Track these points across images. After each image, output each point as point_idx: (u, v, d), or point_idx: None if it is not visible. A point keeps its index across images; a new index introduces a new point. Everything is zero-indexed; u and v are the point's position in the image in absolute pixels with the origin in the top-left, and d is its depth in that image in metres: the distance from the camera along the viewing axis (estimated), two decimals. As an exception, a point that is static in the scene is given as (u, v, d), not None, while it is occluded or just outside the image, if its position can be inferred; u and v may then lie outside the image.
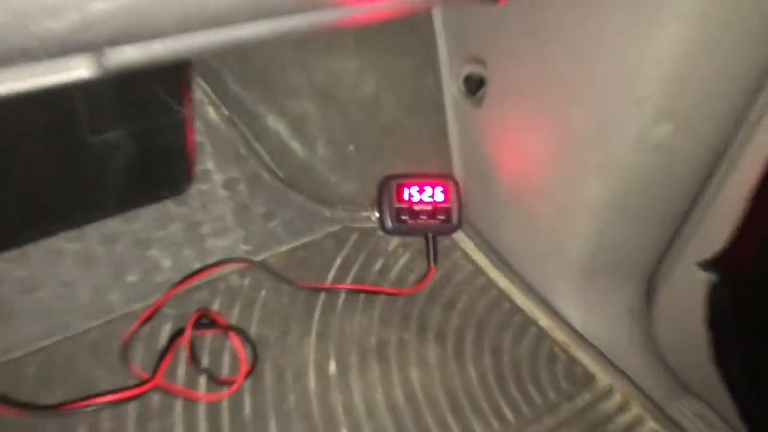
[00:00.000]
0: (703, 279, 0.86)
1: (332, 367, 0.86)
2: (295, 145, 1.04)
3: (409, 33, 0.99)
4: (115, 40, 0.40)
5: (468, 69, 0.95)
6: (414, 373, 0.86)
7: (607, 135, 0.80)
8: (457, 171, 1.06)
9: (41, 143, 0.83)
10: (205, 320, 0.88)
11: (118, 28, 0.39)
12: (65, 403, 0.77)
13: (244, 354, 0.85)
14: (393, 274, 0.99)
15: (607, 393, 0.88)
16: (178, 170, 0.97)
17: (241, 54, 0.97)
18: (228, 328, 0.87)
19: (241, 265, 0.96)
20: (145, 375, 0.81)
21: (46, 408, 0.77)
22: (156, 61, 0.44)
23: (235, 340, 0.86)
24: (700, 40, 0.69)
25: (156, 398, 0.80)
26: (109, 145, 0.87)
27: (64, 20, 0.36)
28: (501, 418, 0.83)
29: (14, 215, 0.86)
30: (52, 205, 0.89)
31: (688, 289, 0.89)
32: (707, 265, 0.84)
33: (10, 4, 0.34)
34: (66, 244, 0.90)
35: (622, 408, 0.86)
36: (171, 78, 0.87)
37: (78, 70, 0.40)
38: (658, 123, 0.76)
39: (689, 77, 0.72)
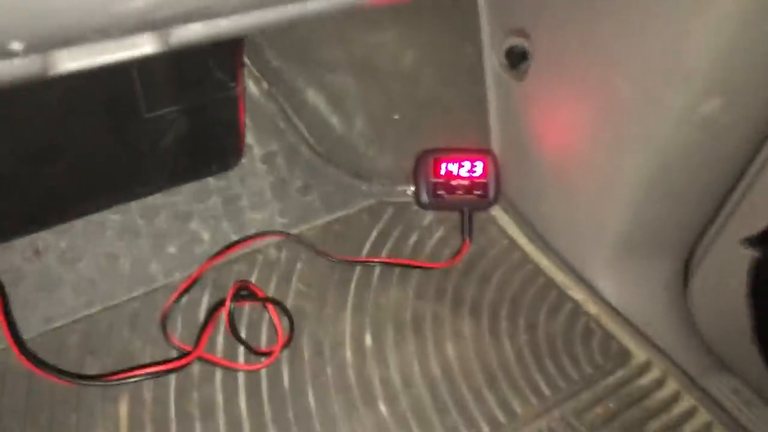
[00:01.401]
0: (744, 256, 0.85)
1: (368, 340, 0.87)
2: (333, 119, 1.04)
3: (449, 4, 0.98)
4: (187, 18, 0.41)
5: (510, 41, 0.94)
6: (449, 347, 0.87)
7: (653, 109, 0.79)
8: (496, 145, 1.06)
9: (96, 119, 0.84)
10: (244, 292, 0.89)
11: (192, 6, 0.39)
12: (109, 374, 0.79)
13: (280, 325, 0.86)
14: (428, 248, 0.99)
15: (644, 368, 0.87)
16: (229, 146, 0.98)
17: (280, 29, 0.97)
18: (266, 300, 0.88)
19: (278, 238, 0.97)
20: (185, 346, 0.83)
21: (89, 377, 0.79)
22: (218, 38, 0.44)
23: (272, 312, 0.87)
24: (755, 11, 0.67)
25: (196, 369, 0.81)
26: (163, 121, 0.88)
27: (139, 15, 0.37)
28: (537, 392, 0.83)
29: (64, 190, 0.88)
30: (103, 181, 0.91)
31: (729, 265, 0.89)
32: (752, 242, 0.83)
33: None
34: (108, 216, 0.92)
35: (660, 384, 0.86)
36: (225, 54, 0.88)
37: (143, 47, 0.41)
38: (706, 98, 0.75)
39: (741, 50, 0.70)
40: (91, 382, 0.78)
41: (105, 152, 0.87)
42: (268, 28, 0.46)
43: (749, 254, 0.84)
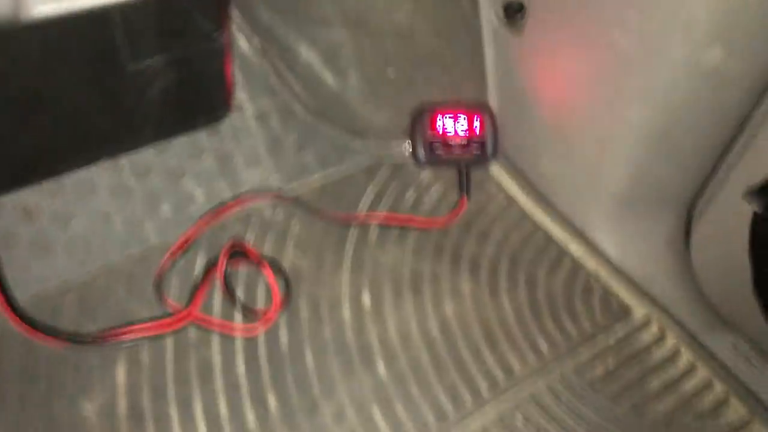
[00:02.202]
0: (745, 209, 0.84)
1: (366, 299, 0.86)
2: (327, 76, 1.01)
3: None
4: None
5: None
6: (448, 305, 0.86)
7: (653, 60, 0.77)
8: (493, 100, 1.04)
9: (79, 71, 0.82)
10: (238, 252, 0.88)
11: None
12: (105, 334, 0.78)
13: (277, 286, 0.85)
14: (425, 206, 0.98)
15: (644, 324, 0.87)
16: (216, 99, 0.96)
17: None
18: (261, 260, 0.87)
19: (273, 197, 0.96)
20: (180, 307, 0.82)
21: (86, 339, 0.78)
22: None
23: (267, 273, 0.86)
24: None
25: (193, 330, 0.81)
26: (148, 72, 0.85)
27: None
28: (536, 350, 0.83)
29: (51, 144, 0.86)
30: (90, 134, 0.88)
31: (730, 219, 0.87)
32: (753, 194, 0.82)
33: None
34: (100, 174, 0.90)
35: (659, 340, 0.86)
36: (209, 4, 0.85)
37: None
38: (707, 48, 0.73)
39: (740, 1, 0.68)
40: (87, 343, 0.78)
41: (89, 105, 0.85)
42: None
43: (750, 207, 0.82)
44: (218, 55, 0.90)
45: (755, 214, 0.82)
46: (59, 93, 0.81)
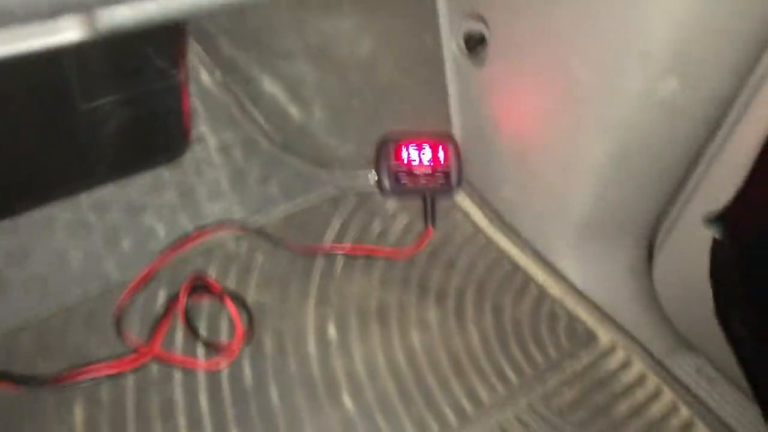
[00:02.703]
0: (705, 235, 0.85)
1: (332, 331, 0.85)
2: (291, 108, 1.01)
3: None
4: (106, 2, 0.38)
5: (468, 26, 0.93)
6: (415, 336, 0.86)
7: (611, 91, 0.79)
8: (457, 131, 1.05)
9: (31, 110, 0.81)
10: (199, 286, 0.86)
11: None
12: (62, 375, 0.76)
13: (239, 319, 0.84)
14: (392, 236, 0.98)
15: (609, 351, 0.87)
16: (174, 136, 0.95)
17: (234, 15, 0.94)
18: (223, 294, 0.86)
19: (236, 230, 0.95)
20: (141, 344, 0.80)
21: (42, 381, 0.76)
22: (150, 23, 0.42)
23: (230, 306, 0.85)
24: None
25: (154, 368, 0.79)
26: (102, 111, 0.84)
27: None
28: (504, 378, 0.82)
29: (4, 184, 0.84)
30: (44, 174, 0.87)
31: (690, 244, 0.89)
32: (712, 220, 0.83)
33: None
34: (57, 212, 0.89)
35: (625, 365, 0.86)
36: (165, 41, 0.85)
37: (68, 32, 0.38)
38: (663, 79, 0.75)
39: (696, 31, 0.70)
40: (44, 386, 0.75)
41: (42, 145, 0.84)
42: (200, 14, 0.44)
43: (709, 233, 0.84)
44: (175, 93, 0.90)
45: (715, 240, 0.84)
46: (11, 133, 0.80)
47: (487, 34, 0.91)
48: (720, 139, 0.82)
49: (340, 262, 0.94)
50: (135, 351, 0.79)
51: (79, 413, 0.74)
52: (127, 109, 0.86)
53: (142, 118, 0.89)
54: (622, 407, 0.81)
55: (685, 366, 0.89)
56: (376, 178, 1.02)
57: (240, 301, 0.86)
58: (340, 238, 0.97)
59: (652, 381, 0.85)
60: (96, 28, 0.39)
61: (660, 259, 0.95)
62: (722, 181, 0.83)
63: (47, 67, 0.77)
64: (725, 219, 0.82)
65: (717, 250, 0.84)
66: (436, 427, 0.77)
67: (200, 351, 0.81)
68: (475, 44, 0.93)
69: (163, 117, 0.92)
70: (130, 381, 0.77)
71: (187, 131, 0.95)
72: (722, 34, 0.72)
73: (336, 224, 0.98)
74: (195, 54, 0.97)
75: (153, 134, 0.93)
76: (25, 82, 0.77)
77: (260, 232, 0.95)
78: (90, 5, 0.38)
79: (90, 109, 0.83)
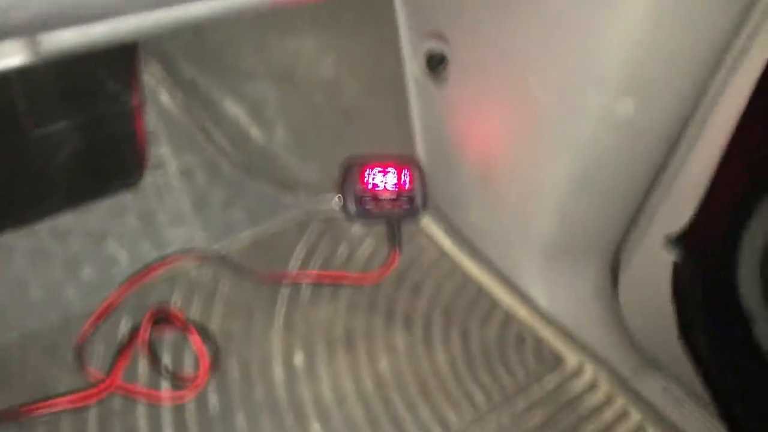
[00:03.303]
0: (667, 257, 0.87)
1: (299, 358, 0.84)
2: (254, 130, 1.01)
3: (368, 10, 0.96)
4: (47, 23, 0.37)
5: (429, 45, 0.93)
6: (383, 361, 0.85)
7: (570, 113, 0.80)
8: (421, 153, 1.05)
9: None
10: (162, 317, 0.85)
11: (47, 9, 0.36)
12: (22, 409, 0.74)
13: (205, 351, 0.82)
14: (358, 260, 0.98)
15: (576, 372, 0.88)
16: (130, 161, 0.93)
17: (194, 36, 0.93)
18: (186, 326, 0.84)
19: (199, 257, 0.93)
20: (103, 376, 0.78)
21: (1, 415, 0.73)
22: (97, 45, 0.41)
23: (194, 338, 0.83)
24: (659, 14, 0.69)
25: (117, 400, 0.77)
26: (54, 137, 0.83)
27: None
28: (472, 402, 0.82)
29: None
30: (-1, 202, 0.85)
31: (653, 266, 0.90)
32: (671, 243, 0.85)
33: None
34: (16, 240, 0.86)
35: (592, 386, 0.86)
36: (117, 64, 0.84)
37: (10, 56, 0.38)
38: (619, 100, 0.76)
39: (649, 54, 0.72)
40: (3, 421, 0.73)
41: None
42: (150, 33, 0.43)
43: (671, 254, 0.85)
44: (129, 117, 0.89)
45: (675, 262, 0.85)
46: None
47: (448, 53, 0.92)
48: (677, 162, 0.84)
49: (306, 289, 0.93)
50: (96, 384, 0.77)
51: (37, 449, 0.71)
52: (80, 134, 0.85)
53: (96, 142, 0.88)
54: (590, 428, 0.81)
55: (651, 386, 0.90)
56: (342, 203, 1.02)
57: (205, 332, 0.84)
58: (306, 263, 0.96)
59: (619, 402, 0.85)
60: (40, 52, 0.39)
61: (624, 280, 0.96)
62: (681, 202, 0.84)
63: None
64: (684, 241, 0.83)
65: (678, 270, 0.85)
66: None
67: (164, 383, 0.79)
68: (436, 64, 0.94)
69: (117, 141, 0.91)
70: (91, 414, 0.75)
71: (143, 155, 0.94)
72: (675, 58, 0.74)
73: (302, 250, 0.98)
74: (154, 75, 0.96)
75: (108, 159, 0.91)
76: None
77: (224, 260, 0.93)
78: (30, 28, 0.37)
79: (42, 135, 0.81)
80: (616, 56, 0.73)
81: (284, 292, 0.92)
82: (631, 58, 0.72)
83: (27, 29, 0.37)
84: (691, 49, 0.74)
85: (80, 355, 0.80)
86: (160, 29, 0.43)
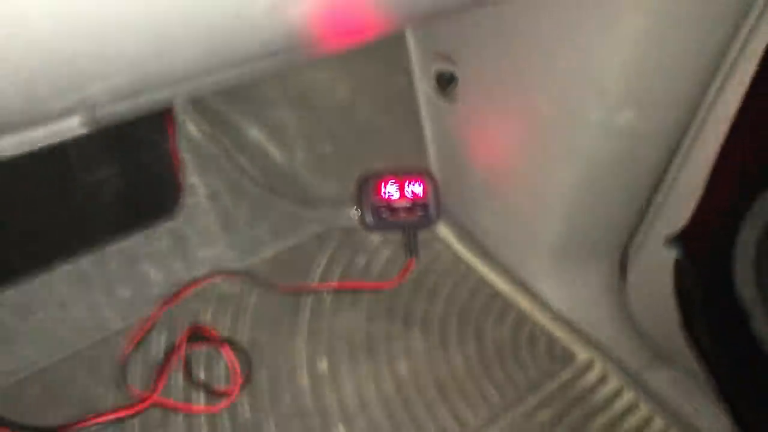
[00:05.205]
0: (669, 255, 0.91)
1: (323, 365, 0.90)
2: (275, 152, 1.07)
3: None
4: (108, 102, 0.44)
5: (438, 66, 0.98)
6: (402, 365, 0.91)
7: (573, 123, 0.84)
8: (433, 165, 1.10)
9: (37, 185, 0.88)
10: (197, 335, 0.91)
11: (110, 94, 0.42)
12: (66, 425, 0.80)
13: (237, 366, 0.88)
14: (376, 269, 1.03)
15: (587, 368, 0.92)
16: (166, 195, 1.00)
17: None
18: (220, 342, 0.90)
19: (228, 275, 1.00)
20: (143, 392, 0.84)
21: (49, 430, 0.80)
22: (144, 110, 0.47)
23: (227, 354, 0.89)
24: (655, 30, 0.73)
25: (156, 413, 0.83)
26: (99, 180, 0.91)
27: (66, 100, 0.40)
28: (487, 400, 0.87)
29: (14, 252, 0.90)
30: (49, 240, 0.93)
31: (658, 263, 0.94)
32: (671, 241, 0.89)
33: (21, 87, 0.37)
34: (59, 266, 0.93)
35: (602, 381, 0.91)
36: (155, 116, 0.90)
37: (73, 129, 0.44)
38: (619, 110, 0.80)
39: (647, 66, 0.76)
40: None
41: (48, 213, 0.90)
42: (190, 96, 0.49)
43: (673, 252, 0.89)
44: (165, 159, 0.96)
45: (677, 259, 0.89)
46: (21, 204, 0.87)
47: (456, 73, 0.97)
48: (676, 166, 0.88)
49: (328, 298, 0.99)
50: (137, 399, 0.83)
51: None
52: (122, 176, 0.92)
53: (135, 183, 0.96)
54: (600, 421, 0.86)
55: (660, 380, 0.93)
56: (359, 214, 1.08)
57: (235, 345, 0.90)
58: (326, 273, 1.02)
59: (629, 395, 0.89)
60: (97, 121, 0.45)
61: (631, 278, 1.00)
62: (681, 203, 0.88)
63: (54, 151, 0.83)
64: (683, 240, 0.87)
65: (679, 267, 0.89)
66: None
67: (200, 396, 0.86)
68: (446, 83, 0.99)
69: (154, 180, 0.99)
70: (134, 427, 0.82)
71: (178, 190, 1.01)
72: (672, 68, 0.78)
73: (322, 261, 1.03)
74: (182, 108, 1.02)
75: (146, 196, 0.99)
76: (32, 160, 0.82)
77: (251, 275, 1.00)
78: (93, 107, 0.43)
79: (88, 179, 0.89)
80: (614, 72, 0.77)
81: (308, 303, 0.98)
82: (628, 74, 0.77)
83: (89, 108, 0.43)
84: (685, 62, 0.78)
85: (123, 372, 0.86)
86: (198, 93, 0.49)
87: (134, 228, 0.96)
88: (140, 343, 0.90)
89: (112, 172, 0.90)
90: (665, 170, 0.90)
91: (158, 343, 0.91)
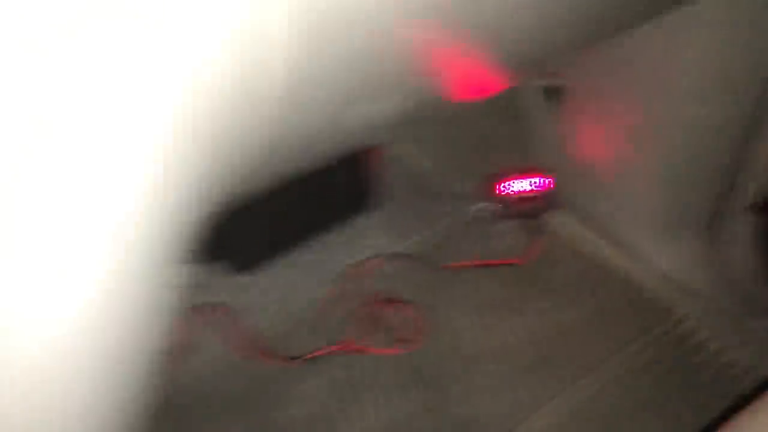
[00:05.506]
0: (751, 220, 1.09)
1: (476, 319, 1.13)
2: (420, 162, 1.36)
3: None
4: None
5: (547, 81, 1.20)
6: (523, 321, 1.12)
7: (671, 117, 1.05)
8: (550, 160, 1.30)
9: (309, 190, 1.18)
10: (381, 297, 1.15)
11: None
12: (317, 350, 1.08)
13: (419, 320, 1.12)
14: (506, 250, 1.25)
15: (683, 320, 1.10)
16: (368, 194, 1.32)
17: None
18: (400, 302, 1.14)
19: (390, 257, 1.24)
20: (344, 339, 1.09)
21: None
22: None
23: (407, 311, 1.13)
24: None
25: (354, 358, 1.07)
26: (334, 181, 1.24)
27: None
28: (593, 354, 1.07)
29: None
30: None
31: (743, 228, 1.13)
32: (753, 208, 1.07)
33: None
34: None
35: (694, 331, 1.08)
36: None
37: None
38: (702, 106, 1.01)
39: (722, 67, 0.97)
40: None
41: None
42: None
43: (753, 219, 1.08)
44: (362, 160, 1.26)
45: (757, 224, 1.08)
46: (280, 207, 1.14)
47: (563, 86, 1.18)
48: (753, 148, 1.07)
49: (470, 273, 1.22)
50: (340, 344, 1.09)
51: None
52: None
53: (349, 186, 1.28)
54: (694, 360, 1.04)
55: (751, 330, 1.09)
56: (489, 206, 1.30)
57: (411, 306, 1.14)
58: (467, 254, 1.24)
59: (717, 345, 1.06)
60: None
61: (724, 239, 1.18)
62: (758, 179, 1.07)
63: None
64: (763, 208, 1.06)
65: (760, 231, 1.08)
66: (552, 383, 1.04)
67: (388, 344, 1.09)
68: (554, 93, 1.20)
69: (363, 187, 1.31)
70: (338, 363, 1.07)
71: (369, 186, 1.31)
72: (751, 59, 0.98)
73: (462, 244, 1.27)
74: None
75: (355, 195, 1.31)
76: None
77: (410, 257, 1.24)
78: None
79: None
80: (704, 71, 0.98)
81: (457, 277, 1.20)
82: (704, 73, 0.97)
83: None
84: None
85: (323, 320, 1.13)
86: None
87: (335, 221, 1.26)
88: (335, 301, 1.16)
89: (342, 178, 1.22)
90: (744, 151, 1.08)
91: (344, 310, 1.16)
